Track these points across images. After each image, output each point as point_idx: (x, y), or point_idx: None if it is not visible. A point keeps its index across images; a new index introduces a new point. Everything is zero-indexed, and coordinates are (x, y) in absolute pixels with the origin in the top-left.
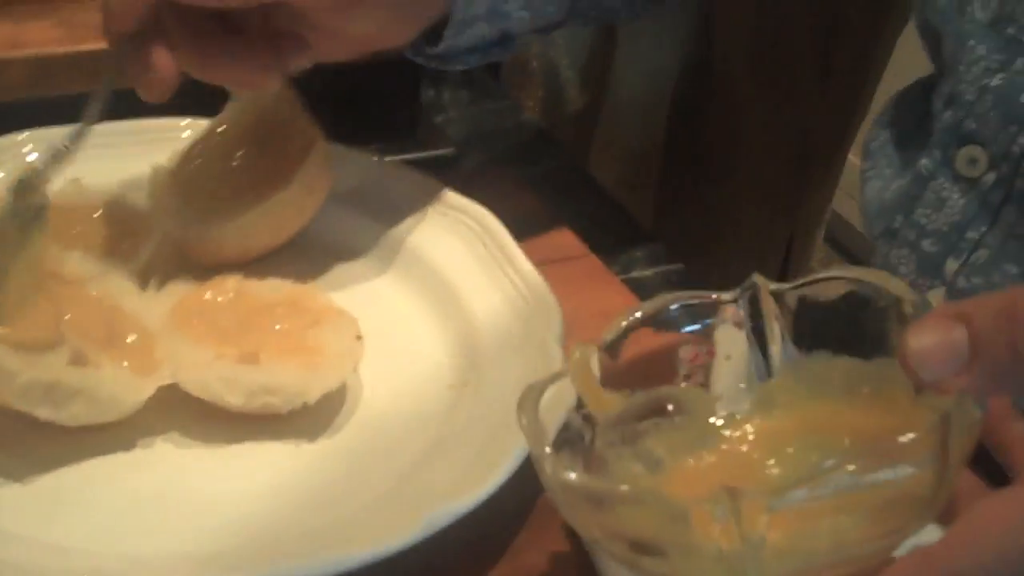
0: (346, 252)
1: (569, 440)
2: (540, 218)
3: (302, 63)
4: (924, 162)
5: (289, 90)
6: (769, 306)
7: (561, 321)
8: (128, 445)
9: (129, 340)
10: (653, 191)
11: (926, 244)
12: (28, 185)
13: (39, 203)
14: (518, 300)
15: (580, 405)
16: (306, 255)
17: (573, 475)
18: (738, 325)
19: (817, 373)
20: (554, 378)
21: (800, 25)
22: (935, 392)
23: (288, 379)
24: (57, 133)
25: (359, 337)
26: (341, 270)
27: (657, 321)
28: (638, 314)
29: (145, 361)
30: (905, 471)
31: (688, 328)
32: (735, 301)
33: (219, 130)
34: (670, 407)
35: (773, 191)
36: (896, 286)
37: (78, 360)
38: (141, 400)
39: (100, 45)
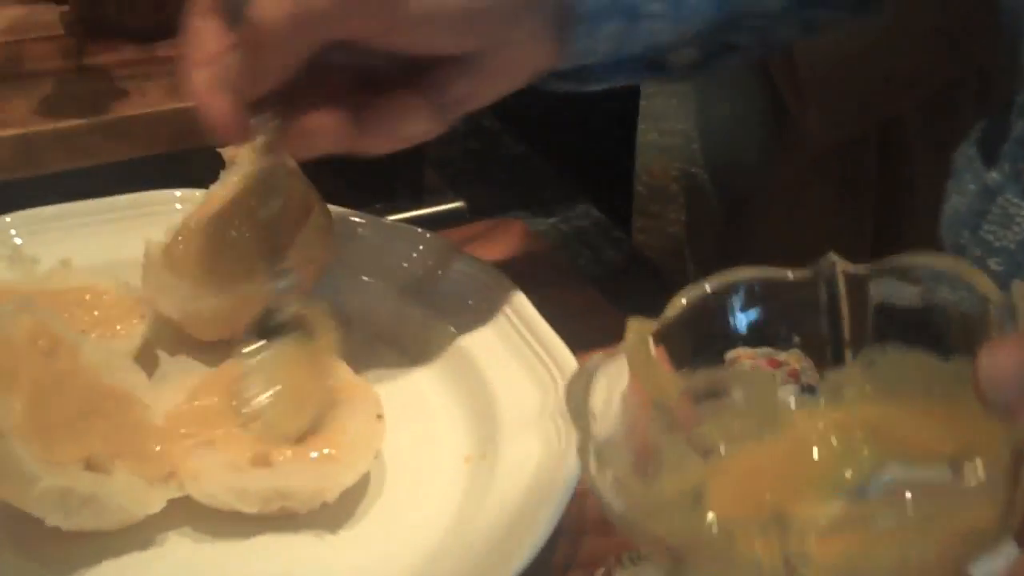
0: (354, 321)
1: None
2: (555, 272)
3: (464, 103)
4: (992, 175)
5: (286, 154)
6: (843, 288)
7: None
8: (143, 543)
9: (141, 444)
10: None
11: (992, 263)
12: None
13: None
14: (536, 364)
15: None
16: None
17: (611, 477)
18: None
19: (889, 366)
20: (607, 359)
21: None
22: (1005, 418)
23: (304, 482)
24: (44, 213)
25: (380, 416)
26: (350, 340)
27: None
28: (703, 290)
29: (156, 468)
30: (971, 497)
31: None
32: (808, 281)
33: (213, 201)
34: (730, 389)
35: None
36: (983, 283)
37: (92, 464)
38: (150, 512)
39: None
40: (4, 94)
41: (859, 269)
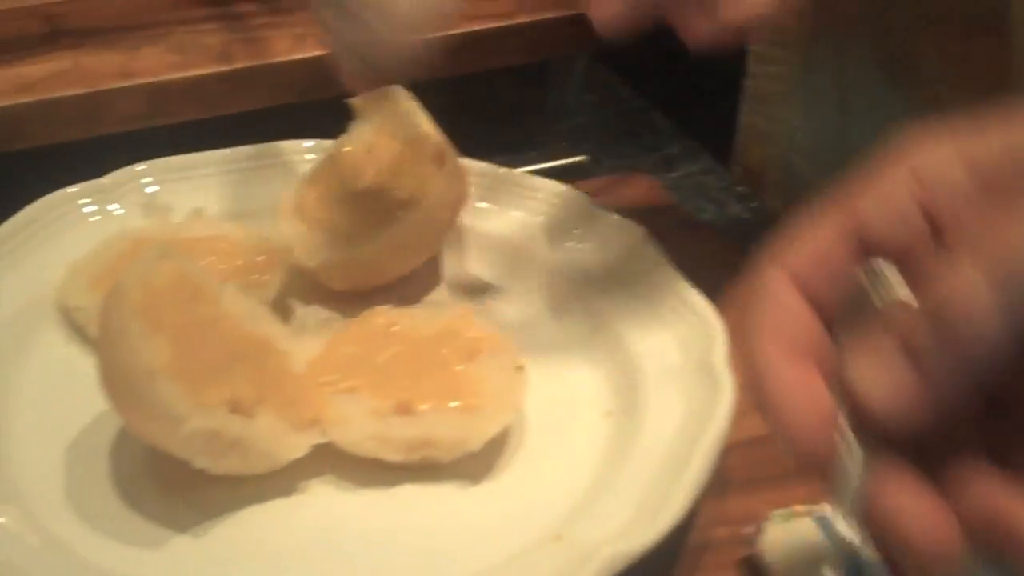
0: (488, 271)
1: None
2: (684, 226)
3: None
4: None
5: (416, 104)
6: None
7: (725, 341)
8: (286, 489)
9: (284, 390)
10: None
11: None
12: None
13: None
14: (674, 318)
15: None
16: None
17: None
18: None
19: None
20: None
21: None
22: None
23: (448, 430)
24: (176, 162)
25: (520, 368)
26: (485, 290)
27: None
28: None
29: (300, 415)
30: None
31: None
32: None
33: (344, 151)
34: None
35: None
36: None
37: (237, 408)
38: (294, 457)
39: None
40: (134, 44)
41: None
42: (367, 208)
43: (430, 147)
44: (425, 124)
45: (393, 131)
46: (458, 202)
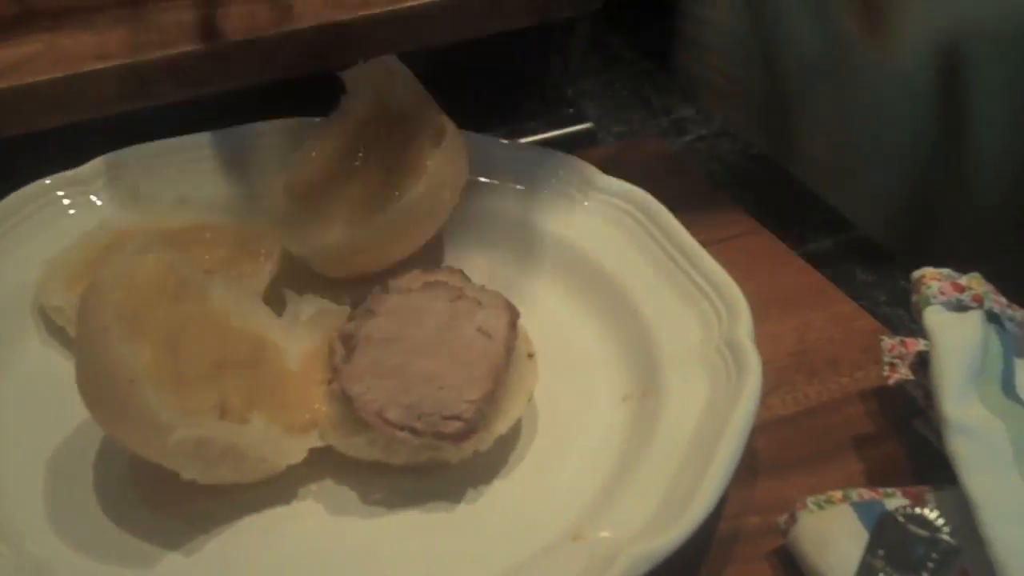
0: (493, 251)
1: None
2: (698, 192)
3: None
4: None
5: (410, 74)
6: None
7: (750, 315)
8: (284, 497)
9: (278, 390)
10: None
11: None
12: None
13: None
14: (694, 292)
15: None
16: (450, 259)
17: None
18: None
19: None
20: None
21: None
22: None
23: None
24: (157, 148)
25: (531, 355)
26: (491, 273)
27: None
28: None
29: (295, 417)
30: None
31: None
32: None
33: (335, 128)
34: None
35: None
36: None
37: (227, 413)
38: (290, 463)
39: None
40: (109, 23)
41: None
42: (362, 188)
43: (427, 120)
44: (421, 96)
45: (387, 105)
46: (459, 178)
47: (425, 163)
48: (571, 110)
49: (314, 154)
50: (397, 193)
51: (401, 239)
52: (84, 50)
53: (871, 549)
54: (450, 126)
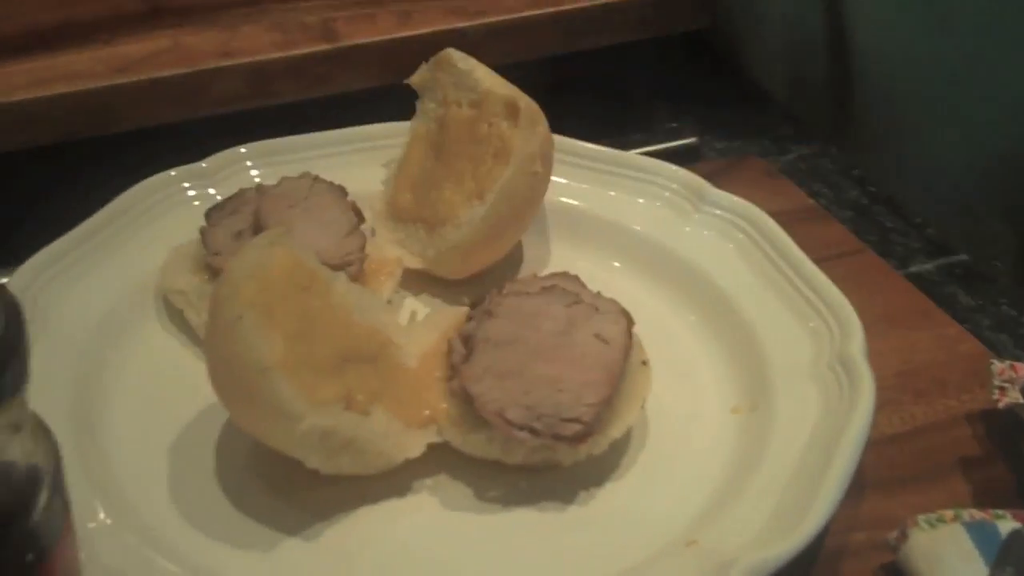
0: (603, 259)
1: None
2: (801, 210)
3: None
4: None
5: (473, 62)
6: None
7: (863, 333)
8: (400, 490)
9: (398, 386)
10: None
11: None
12: None
13: None
14: (805, 308)
15: None
16: (562, 265)
17: None
18: None
19: None
20: None
21: None
22: None
23: None
24: (277, 145)
25: (645, 362)
26: (601, 280)
27: None
28: None
29: (414, 412)
30: None
31: None
32: None
33: (415, 134)
34: None
35: None
36: None
37: (351, 405)
38: (408, 457)
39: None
40: (233, 22)
41: None
42: (456, 186)
43: (498, 102)
44: (487, 79)
45: (458, 98)
46: (545, 147)
47: (507, 145)
48: (675, 124)
49: (402, 168)
50: (490, 180)
51: (511, 222)
52: (209, 47)
53: (999, 565)
54: (523, 100)
